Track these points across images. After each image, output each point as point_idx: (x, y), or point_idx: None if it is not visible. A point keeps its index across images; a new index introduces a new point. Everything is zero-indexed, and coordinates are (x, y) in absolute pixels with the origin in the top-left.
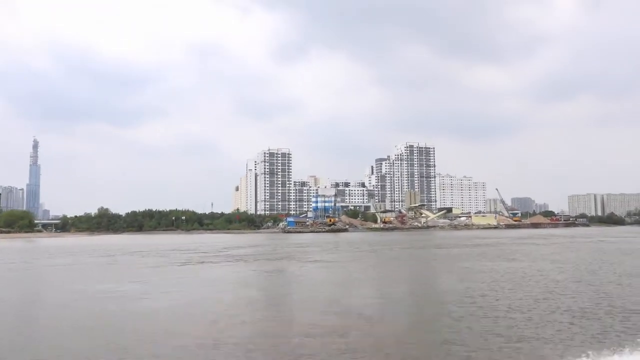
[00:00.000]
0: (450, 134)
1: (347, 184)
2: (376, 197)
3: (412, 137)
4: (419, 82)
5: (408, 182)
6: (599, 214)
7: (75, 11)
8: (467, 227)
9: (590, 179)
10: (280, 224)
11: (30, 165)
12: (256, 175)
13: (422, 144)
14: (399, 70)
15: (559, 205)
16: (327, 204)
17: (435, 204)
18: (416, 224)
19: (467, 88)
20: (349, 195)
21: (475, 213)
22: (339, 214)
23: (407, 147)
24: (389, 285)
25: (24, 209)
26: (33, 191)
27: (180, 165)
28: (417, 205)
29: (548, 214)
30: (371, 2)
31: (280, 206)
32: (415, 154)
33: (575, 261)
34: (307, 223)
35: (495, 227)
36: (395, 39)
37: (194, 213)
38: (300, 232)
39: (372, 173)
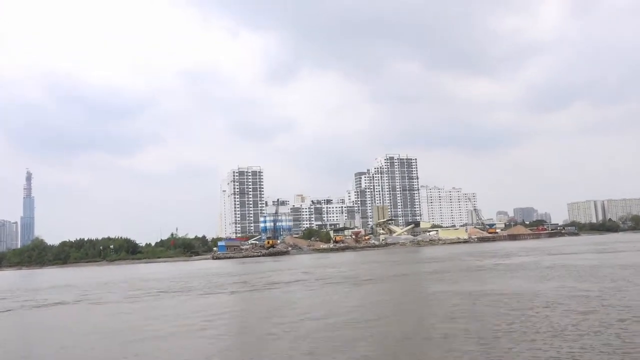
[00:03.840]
0: (449, 147)
1: (329, 201)
2: (356, 214)
3: (409, 151)
4: (413, 97)
5: (390, 196)
6: (600, 220)
7: (63, 41)
8: (432, 242)
9: (592, 185)
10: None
11: (24, 197)
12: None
13: (402, 156)
14: (391, 86)
15: (560, 214)
16: (278, 223)
17: (421, 218)
18: (373, 241)
19: (463, 101)
20: (327, 212)
21: (462, 226)
22: (282, 235)
23: (387, 160)
24: None
25: (19, 242)
26: (27, 224)
27: (179, 190)
28: (385, 220)
29: (537, 223)
30: (358, 18)
31: (253, 228)
32: (397, 166)
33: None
34: (243, 247)
35: (466, 242)
36: (386, 54)
37: (126, 241)
38: (231, 257)
39: (353, 188)
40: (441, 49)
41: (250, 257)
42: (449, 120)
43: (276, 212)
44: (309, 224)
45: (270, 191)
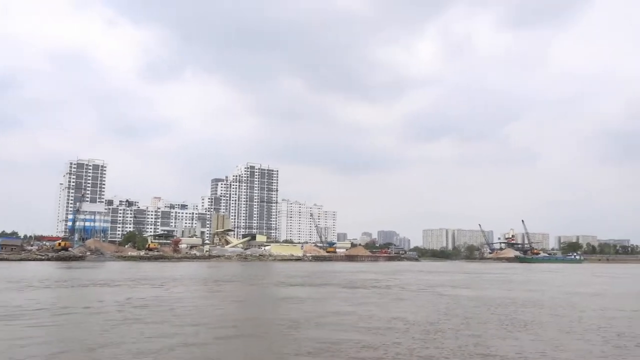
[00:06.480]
0: (325, 166)
1: (184, 206)
2: (208, 222)
3: (284, 166)
4: (295, 113)
5: (246, 206)
6: (450, 247)
7: None
8: (261, 258)
9: (450, 214)
10: None
11: None
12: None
13: (264, 166)
14: (274, 100)
15: (419, 239)
16: (89, 223)
17: (277, 231)
18: (195, 252)
19: (343, 123)
20: (175, 218)
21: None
22: (81, 236)
23: (248, 169)
24: None
25: None
26: None
27: (32, 181)
28: (223, 230)
29: (384, 246)
30: (248, 29)
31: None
32: (257, 176)
33: None
34: (29, 247)
35: (298, 260)
36: (272, 69)
37: None
38: (5, 259)
39: (208, 195)
40: (326, 71)
41: (32, 260)
42: (327, 141)
43: (77, 210)
44: (154, 228)
45: (131, 191)
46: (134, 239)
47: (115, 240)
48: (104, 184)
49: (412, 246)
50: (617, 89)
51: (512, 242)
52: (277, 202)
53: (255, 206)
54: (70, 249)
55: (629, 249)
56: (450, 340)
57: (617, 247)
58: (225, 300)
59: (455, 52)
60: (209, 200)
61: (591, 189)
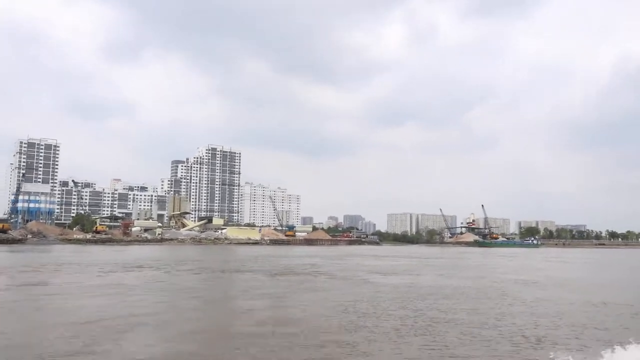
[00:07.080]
0: (292, 150)
1: (143, 189)
2: (167, 204)
3: (248, 150)
4: (260, 96)
5: (207, 189)
6: (414, 232)
7: None
8: (216, 241)
9: (414, 199)
10: None
11: None
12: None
13: (226, 148)
14: (239, 83)
15: (384, 223)
16: (34, 205)
17: (239, 215)
18: (146, 235)
19: (306, 107)
20: (133, 200)
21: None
22: (24, 218)
23: (209, 150)
24: None
25: None
26: None
27: None
28: (179, 212)
29: (347, 230)
30: (210, 11)
31: None
32: (218, 159)
33: None
34: None
35: (256, 243)
36: (236, 51)
37: None
38: None
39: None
40: (292, 54)
41: None
42: (293, 125)
43: (18, 190)
44: (111, 210)
45: (91, 172)
46: (82, 221)
47: (66, 223)
48: (57, 165)
49: (375, 229)
50: (576, 79)
51: (473, 226)
52: (239, 185)
53: (217, 189)
54: (10, 231)
55: (585, 234)
56: (308, 351)
57: (574, 232)
58: (108, 292)
59: (420, 39)
60: (169, 182)
61: (551, 176)
